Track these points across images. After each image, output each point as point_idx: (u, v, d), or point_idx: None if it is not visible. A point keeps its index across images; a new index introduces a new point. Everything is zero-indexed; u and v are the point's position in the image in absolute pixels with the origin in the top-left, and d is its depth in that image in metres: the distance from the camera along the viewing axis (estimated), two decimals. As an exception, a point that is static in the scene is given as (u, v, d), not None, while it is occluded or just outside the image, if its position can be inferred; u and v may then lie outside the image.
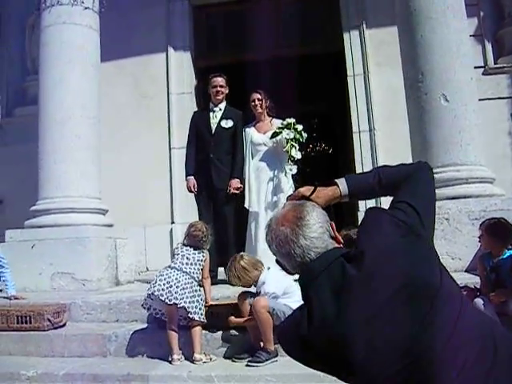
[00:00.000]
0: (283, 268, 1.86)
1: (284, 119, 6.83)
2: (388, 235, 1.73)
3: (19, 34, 10.34)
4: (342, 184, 2.06)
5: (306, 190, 2.02)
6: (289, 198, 2.03)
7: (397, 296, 1.60)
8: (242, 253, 5.22)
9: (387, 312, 1.59)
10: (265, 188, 6.68)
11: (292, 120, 6.63)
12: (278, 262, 1.87)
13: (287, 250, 1.78)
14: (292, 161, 6.54)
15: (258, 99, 6.87)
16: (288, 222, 1.80)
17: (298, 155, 6.56)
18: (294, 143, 6.56)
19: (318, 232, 1.79)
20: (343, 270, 1.67)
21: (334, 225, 1.90)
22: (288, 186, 6.62)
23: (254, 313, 4.51)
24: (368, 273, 1.63)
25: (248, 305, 4.71)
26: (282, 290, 4.71)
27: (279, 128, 6.60)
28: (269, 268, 4.83)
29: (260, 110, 6.88)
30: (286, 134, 6.56)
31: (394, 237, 1.72)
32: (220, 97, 6.87)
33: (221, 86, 6.85)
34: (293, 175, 6.60)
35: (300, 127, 6.63)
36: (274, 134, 6.66)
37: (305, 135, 6.69)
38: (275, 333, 4.37)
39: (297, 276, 1.83)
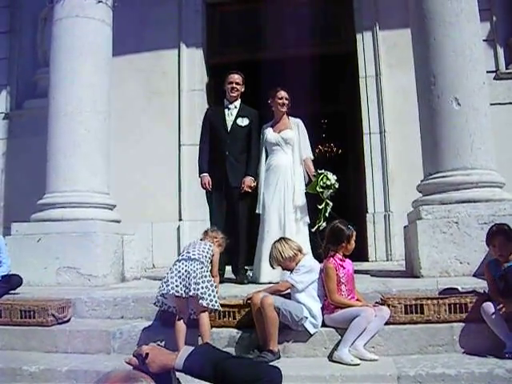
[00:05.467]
0: None
1: (296, 116, 6.86)
2: None
3: (31, 26, 10.38)
4: (181, 355, 1.99)
5: (147, 349, 1.97)
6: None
7: None
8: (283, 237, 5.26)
9: None
10: (273, 189, 6.60)
11: (334, 179, 6.43)
12: None
13: None
14: (324, 219, 6.38)
15: (286, 98, 6.79)
16: None
17: (328, 211, 6.45)
18: (329, 201, 6.45)
19: None
20: None
21: None
22: (299, 188, 6.61)
23: (262, 310, 4.48)
24: None
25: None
26: (306, 284, 4.73)
27: (321, 187, 6.40)
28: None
29: (285, 109, 6.81)
30: (325, 194, 6.42)
31: None
32: (235, 94, 6.84)
33: (237, 83, 6.84)
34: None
35: (337, 184, 6.46)
36: (312, 189, 6.52)
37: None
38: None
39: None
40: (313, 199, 6.62)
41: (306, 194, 6.61)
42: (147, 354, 1.94)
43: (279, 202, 6.53)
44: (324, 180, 6.39)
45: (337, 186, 6.43)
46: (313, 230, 6.45)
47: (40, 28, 10.22)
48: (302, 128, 6.85)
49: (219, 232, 5.40)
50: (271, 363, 4.27)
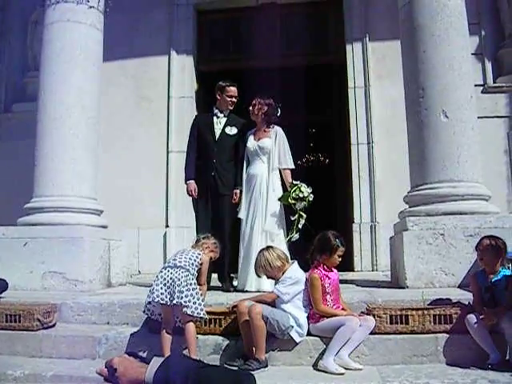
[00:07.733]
0: None
1: (281, 126, 6.83)
2: None
3: (21, 29, 10.36)
4: (151, 368, 2.00)
5: (117, 361, 1.97)
6: None
7: None
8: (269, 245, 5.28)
9: None
10: (248, 198, 6.61)
11: (308, 192, 6.36)
12: None
13: None
14: (297, 231, 6.38)
15: (253, 105, 6.77)
16: None
17: (301, 223, 6.39)
18: (302, 213, 6.39)
19: None
20: None
21: None
22: (273, 198, 6.54)
23: (250, 319, 4.47)
24: None
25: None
26: (292, 295, 4.72)
27: (293, 198, 6.34)
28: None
29: (253, 117, 6.80)
30: (297, 205, 6.35)
31: None
32: (232, 107, 6.93)
33: (235, 97, 6.92)
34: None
35: (312, 196, 6.39)
36: (284, 200, 6.46)
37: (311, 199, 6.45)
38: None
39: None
40: (290, 210, 6.59)
41: (284, 205, 6.58)
42: (116, 369, 1.93)
43: (253, 212, 6.54)
44: (297, 192, 6.33)
45: (311, 199, 6.36)
46: (285, 240, 6.43)
47: (30, 31, 10.20)
48: (281, 136, 6.73)
49: (211, 238, 5.32)
50: (258, 371, 4.28)
